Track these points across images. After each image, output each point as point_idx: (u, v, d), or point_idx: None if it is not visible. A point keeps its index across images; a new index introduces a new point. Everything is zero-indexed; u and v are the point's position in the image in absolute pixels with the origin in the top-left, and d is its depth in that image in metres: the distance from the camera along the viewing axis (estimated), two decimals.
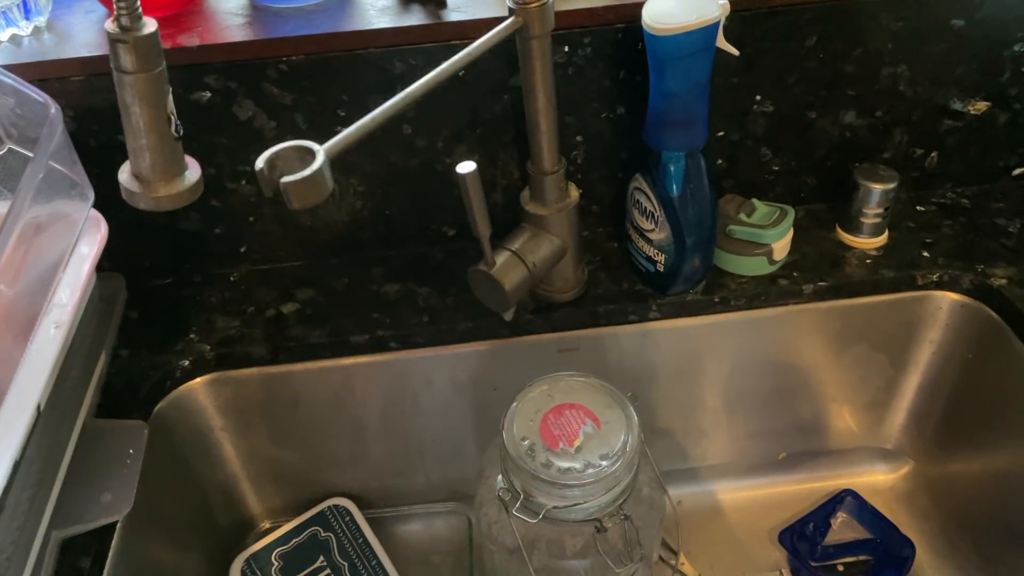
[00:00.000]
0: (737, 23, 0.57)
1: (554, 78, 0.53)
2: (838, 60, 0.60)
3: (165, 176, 0.40)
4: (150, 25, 0.36)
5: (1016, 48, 0.61)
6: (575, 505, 0.51)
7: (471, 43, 0.54)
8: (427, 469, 0.72)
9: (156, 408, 0.60)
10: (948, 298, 0.64)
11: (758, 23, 0.58)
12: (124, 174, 0.41)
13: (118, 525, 0.52)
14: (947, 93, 0.64)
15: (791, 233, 0.63)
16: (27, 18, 0.57)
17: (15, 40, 0.57)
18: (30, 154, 0.49)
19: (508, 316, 0.59)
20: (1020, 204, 0.68)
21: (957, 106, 0.64)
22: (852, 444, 0.76)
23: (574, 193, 0.59)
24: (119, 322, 0.62)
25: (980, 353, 0.64)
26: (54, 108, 0.46)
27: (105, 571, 0.49)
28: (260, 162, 0.38)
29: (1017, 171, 0.69)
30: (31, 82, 0.49)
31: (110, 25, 0.36)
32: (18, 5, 0.56)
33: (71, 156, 0.50)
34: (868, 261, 0.64)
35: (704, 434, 0.74)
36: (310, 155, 0.39)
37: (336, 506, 0.70)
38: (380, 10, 0.58)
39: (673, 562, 0.69)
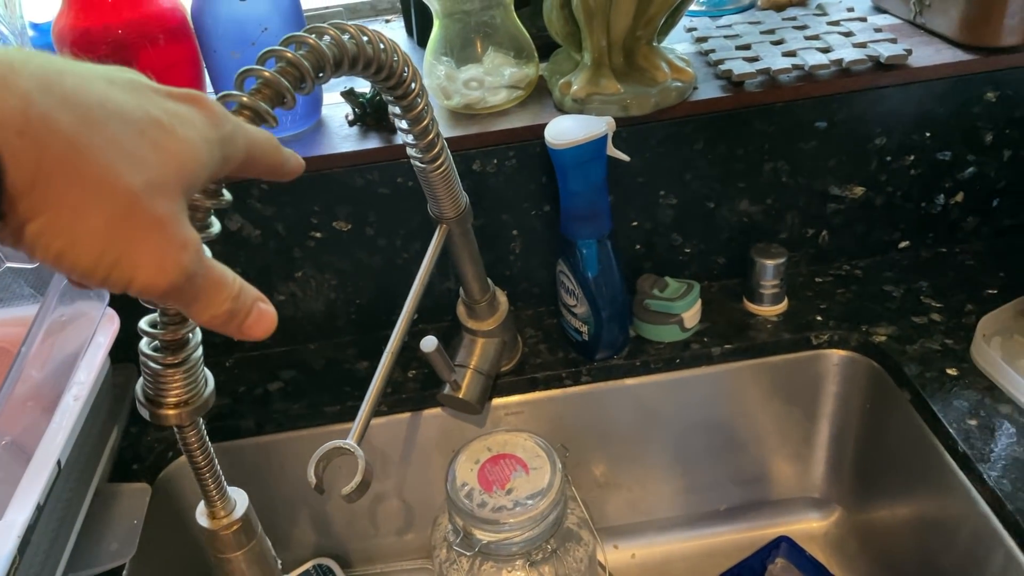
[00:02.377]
0: (634, 134, 0.70)
1: (475, 242, 0.64)
2: (724, 160, 0.72)
3: None
4: (240, 506, 0.43)
5: (876, 142, 0.73)
6: (506, 539, 0.60)
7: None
8: (401, 529, 0.81)
9: (160, 475, 0.70)
10: (838, 355, 0.73)
11: (652, 133, 0.70)
12: None
13: (124, 573, 0.62)
14: (825, 181, 0.75)
15: (699, 304, 0.74)
16: None
17: None
18: None
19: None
20: (905, 273, 0.78)
21: (836, 192, 0.76)
22: (786, 495, 0.84)
23: (503, 302, 0.70)
24: (131, 404, 0.73)
25: (874, 403, 0.73)
26: None
27: None
28: (310, 473, 0.48)
29: (902, 244, 0.80)
30: None
31: (205, 520, 0.42)
32: None
33: None
34: (769, 326, 0.75)
35: (648, 490, 0.82)
36: (350, 454, 0.48)
37: (320, 565, 0.79)
38: (343, 137, 0.71)
39: None
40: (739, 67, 0.70)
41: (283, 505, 0.77)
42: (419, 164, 0.51)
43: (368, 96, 0.71)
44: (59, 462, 0.53)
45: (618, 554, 0.84)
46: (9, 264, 0.65)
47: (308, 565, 0.79)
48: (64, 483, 0.55)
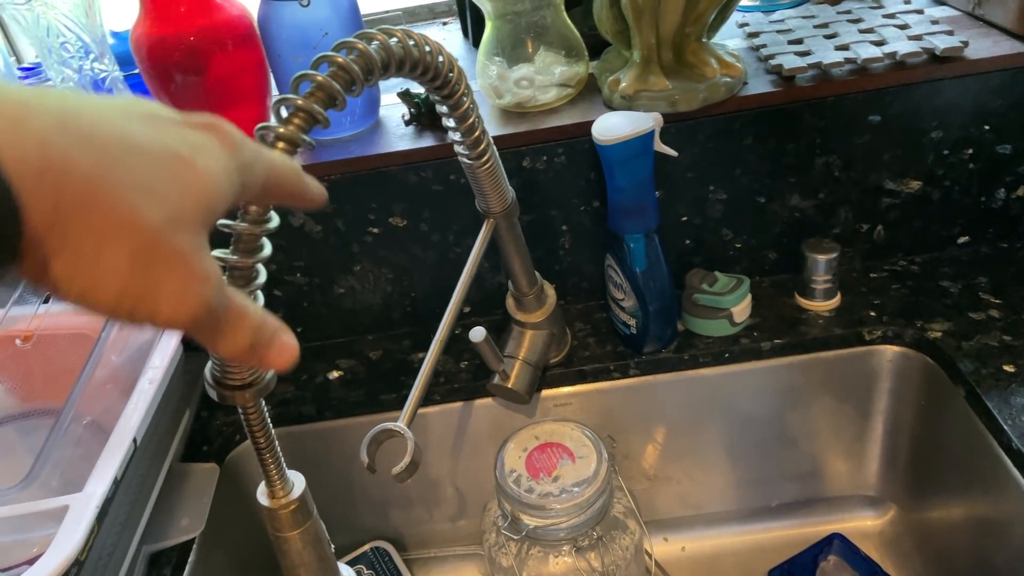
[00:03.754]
0: (683, 129, 0.71)
1: (522, 235, 0.65)
2: (775, 154, 0.73)
3: None
4: (298, 487, 0.46)
5: (933, 135, 0.72)
6: (552, 525, 0.61)
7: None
8: (454, 515, 0.83)
9: (228, 456, 0.74)
10: (892, 351, 0.72)
11: (700, 128, 0.71)
12: None
13: (194, 546, 0.66)
14: (879, 175, 0.74)
15: (749, 299, 0.74)
16: None
17: None
18: None
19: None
20: (964, 269, 0.77)
21: (891, 186, 0.75)
22: (839, 492, 0.83)
23: (551, 295, 0.71)
24: (202, 389, 0.77)
25: (929, 399, 0.72)
26: None
27: None
28: (363, 453, 0.51)
29: (961, 239, 0.79)
30: None
31: (265, 499, 0.46)
32: None
33: None
34: (821, 321, 0.74)
35: (698, 483, 0.83)
36: (400, 437, 0.51)
37: (377, 548, 0.82)
38: (399, 136, 0.74)
39: None
40: (790, 61, 0.70)
41: (342, 489, 0.81)
42: (466, 160, 0.53)
43: (423, 96, 0.74)
44: (135, 440, 0.57)
45: (668, 547, 0.84)
46: None
47: (366, 547, 0.82)
48: (140, 460, 0.60)
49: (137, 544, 0.60)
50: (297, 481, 0.46)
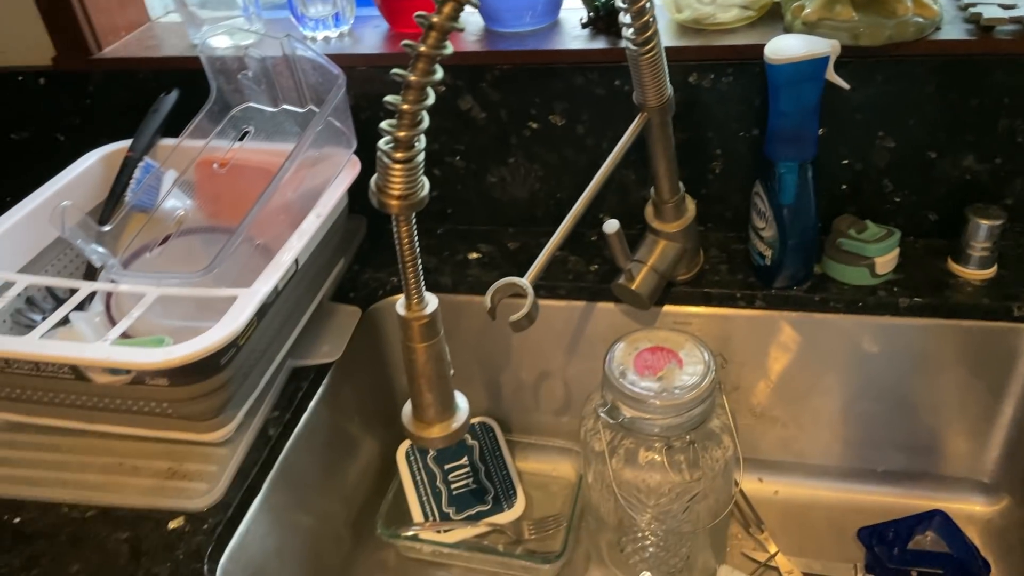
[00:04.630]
0: (861, 66, 0.69)
1: (672, 138, 0.67)
2: (955, 108, 0.69)
3: (441, 419, 0.53)
4: (431, 306, 0.50)
5: None
6: (648, 419, 0.64)
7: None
8: (558, 410, 0.88)
9: (369, 308, 0.82)
10: None
11: (881, 68, 0.69)
12: (406, 415, 0.53)
13: (329, 371, 0.73)
14: None
15: (896, 252, 0.72)
16: (336, 25, 0.83)
17: (326, 39, 0.83)
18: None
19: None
20: None
21: None
22: (951, 472, 0.80)
23: (691, 209, 0.72)
24: (357, 247, 0.85)
25: None
26: (341, 78, 0.70)
27: (316, 395, 0.71)
28: (487, 299, 0.54)
29: None
30: None
31: (402, 309, 0.50)
32: (332, 16, 0.82)
33: (346, 115, 0.73)
34: (969, 289, 0.71)
35: (805, 431, 0.82)
36: (521, 291, 0.55)
37: (484, 423, 0.88)
38: (574, 37, 0.77)
39: (753, 531, 0.79)
40: (991, 11, 0.66)
41: (463, 362, 0.86)
42: (631, 47, 0.56)
43: (603, 0, 0.76)
44: (296, 261, 0.65)
45: (762, 487, 0.85)
46: (284, 106, 0.78)
47: (475, 420, 0.88)
48: (298, 281, 0.67)
49: (284, 354, 0.69)
50: (432, 302, 0.51)
